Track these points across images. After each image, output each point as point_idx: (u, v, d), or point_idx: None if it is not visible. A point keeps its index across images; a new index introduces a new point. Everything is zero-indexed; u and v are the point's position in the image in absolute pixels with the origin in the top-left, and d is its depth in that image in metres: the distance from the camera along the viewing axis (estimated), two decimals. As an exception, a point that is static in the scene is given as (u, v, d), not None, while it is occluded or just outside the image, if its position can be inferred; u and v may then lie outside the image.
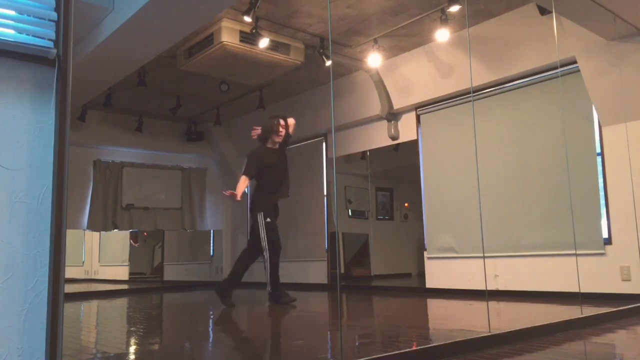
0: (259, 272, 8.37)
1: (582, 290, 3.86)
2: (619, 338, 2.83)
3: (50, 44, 1.67)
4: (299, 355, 2.57)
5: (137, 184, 8.00)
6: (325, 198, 7.07)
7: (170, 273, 8.65)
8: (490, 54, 5.14)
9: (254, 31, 4.83)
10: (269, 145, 4.81)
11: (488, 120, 5.32)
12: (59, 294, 1.55)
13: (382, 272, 7.71)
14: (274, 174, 4.72)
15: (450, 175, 5.63)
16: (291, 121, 4.89)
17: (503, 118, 5.27)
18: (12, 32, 1.65)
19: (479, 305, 4.23)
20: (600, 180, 4.50)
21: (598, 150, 4.56)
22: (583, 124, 4.66)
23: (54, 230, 1.59)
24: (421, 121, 6.03)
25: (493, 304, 4.28)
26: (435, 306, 4.75)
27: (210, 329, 3.78)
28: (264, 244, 4.60)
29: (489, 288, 4.94)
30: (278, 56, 5.20)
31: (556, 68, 4.57)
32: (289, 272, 7.54)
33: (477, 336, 2.57)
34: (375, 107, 6.30)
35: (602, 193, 4.49)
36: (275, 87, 6.70)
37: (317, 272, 6.99)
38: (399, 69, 5.94)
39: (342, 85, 6.52)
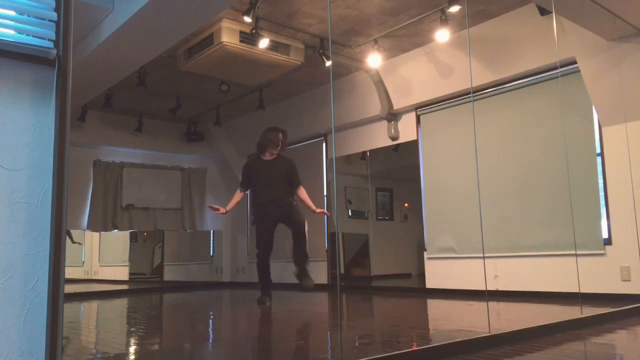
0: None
1: (582, 291, 3.86)
2: (619, 338, 2.83)
3: (50, 44, 1.67)
4: (299, 355, 2.57)
5: (137, 184, 8.00)
6: (325, 198, 7.06)
7: (170, 273, 8.66)
8: (490, 54, 5.14)
9: (254, 31, 4.83)
10: (265, 157, 4.88)
11: (488, 121, 5.32)
12: (59, 294, 1.55)
13: (382, 273, 7.71)
14: (260, 181, 4.79)
15: (450, 175, 5.62)
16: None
17: (503, 118, 5.27)
18: (12, 32, 1.65)
19: (479, 306, 4.23)
20: (600, 180, 4.50)
21: (598, 150, 4.56)
22: (583, 124, 4.66)
23: (54, 230, 1.59)
24: (421, 121, 6.03)
25: (493, 304, 4.28)
26: (435, 306, 4.75)
27: (210, 329, 3.78)
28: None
29: (489, 288, 4.94)
30: (278, 56, 5.19)
31: (556, 68, 4.57)
32: (289, 272, 7.53)
33: (477, 336, 2.57)
34: (375, 107, 6.30)
35: (602, 193, 4.49)
36: (275, 88, 6.70)
37: (317, 272, 6.98)
38: (399, 69, 5.94)
39: (342, 85, 6.52)
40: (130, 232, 8.39)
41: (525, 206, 5.00)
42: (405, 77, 5.95)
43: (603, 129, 4.52)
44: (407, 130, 6.19)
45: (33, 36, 1.66)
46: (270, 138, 4.81)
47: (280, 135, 4.84)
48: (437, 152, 5.84)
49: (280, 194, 4.74)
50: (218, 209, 4.78)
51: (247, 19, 4.54)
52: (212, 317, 4.55)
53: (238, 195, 4.91)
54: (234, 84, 6.21)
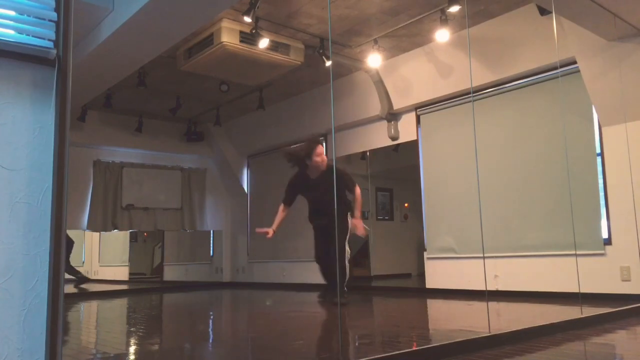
0: (258, 273, 8.38)
1: (582, 291, 3.86)
2: (619, 338, 2.83)
3: (50, 44, 1.67)
4: (299, 355, 2.57)
5: (137, 184, 8.00)
6: (325, 198, 7.05)
7: (170, 273, 8.66)
8: (490, 54, 5.14)
9: (254, 31, 4.83)
10: (309, 173, 4.63)
11: (488, 121, 5.32)
12: (59, 294, 1.55)
13: (381, 273, 7.70)
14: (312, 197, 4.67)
15: (450, 175, 5.62)
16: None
17: (503, 118, 5.27)
18: (12, 32, 1.65)
19: (479, 306, 4.23)
20: (600, 180, 4.50)
21: (598, 150, 4.56)
22: (583, 124, 4.66)
23: (54, 230, 1.59)
24: (421, 121, 6.03)
25: (493, 304, 4.28)
26: (435, 306, 4.75)
27: (210, 329, 3.78)
28: None
29: (489, 288, 4.94)
30: (278, 56, 5.19)
31: (556, 68, 4.57)
32: (289, 273, 7.54)
33: (477, 336, 2.57)
34: (375, 107, 6.30)
35: (602, 193, 4.49)
36: (275, 88, 6.70)
37: (317, 273, 6.98)
38: (399, 69, 5.94)
39: (342, 85, 6.52)
40: (130, 232, 8.40)
41: (525, 206, 5.00)
42: (405, 77, 5.95)
43: (603, 129, 4.51)
44: (407, 130, 6.19)
45: (33, 36, 1.66)
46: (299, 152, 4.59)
47: (305, 149, 4.52)
48: (437, 152, 5.84)
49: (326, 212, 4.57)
50: (267, 232, 4.52)
51: (247, 19, 4.54)
52: (212, 317, 4.55)
53: (282, 210, 4.73)
54: (234, 84, 6.21)
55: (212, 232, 8.75)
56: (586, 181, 4.54)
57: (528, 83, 5.06)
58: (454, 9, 4.52)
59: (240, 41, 4.86)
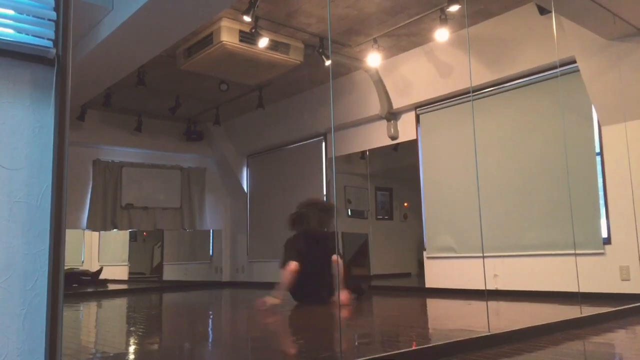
0: (258, 273, 8.37)
1: (581, 290, 3.86)
2: (619, 338, 2.83)
3: (50, 44, 1.67)
4: (298, 355, 2.57)
5: (137, 183, 7.99)
6: (325, 198, 7.06)
7: (170, 273, 8.66)
8: (490, 53, 5.14)
9: (253, 31, 4.82)
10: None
11: (487, 120, 5.32)
12: (59, 293, 1.55)
13: (381, 272, 7.70)
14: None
15: (450, 175, 5.63)
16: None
17: (502, 118, 5.27)
18: (11, 31, 1.64)
19: (478, 305, 4.23)
20: (600, 180, 4.50)
21: (598, 150, 4.56)
22: (583, 123, 4.66)
23: (53, 230, 1.59)
24: (421, 121, 6.03)
25: (492, 304, 4.29)
26: (434, 306, 4.75)
27: (210, 329, 3.78)
28: None
29: (488, 288, 4.94)
30: (277, 56, 5.19)
31: (555, 68, 4.57)
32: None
33: (477, 336, 2.57)
34: (374, 106, 6.30)
35: (601, 193, 4.49)
36: (275, 87, 6.69)
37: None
38: (399, 68, 5.94)
39: (342, 84, 6.52)
40: (130, 232, 8.39)
41: (525, 205, 5.00)
42: (405, 77, 5.95)
43: (602, 129, 4.52)
44: (406, 129, 6.19)
45: (32, 35, 1.65)
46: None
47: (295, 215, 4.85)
48: (436, 152, 5.84)
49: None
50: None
51: (247, 18, 4.53)
52: (212, 317, 4.55)
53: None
54: (234, 83, 6.20)
55: (211, 231, 8.74)
56: (586, 180, 4.54)
57: (527, 82, 5.06)
58: (454, 8, 4.51)
59: (240, 40, 4.86)
